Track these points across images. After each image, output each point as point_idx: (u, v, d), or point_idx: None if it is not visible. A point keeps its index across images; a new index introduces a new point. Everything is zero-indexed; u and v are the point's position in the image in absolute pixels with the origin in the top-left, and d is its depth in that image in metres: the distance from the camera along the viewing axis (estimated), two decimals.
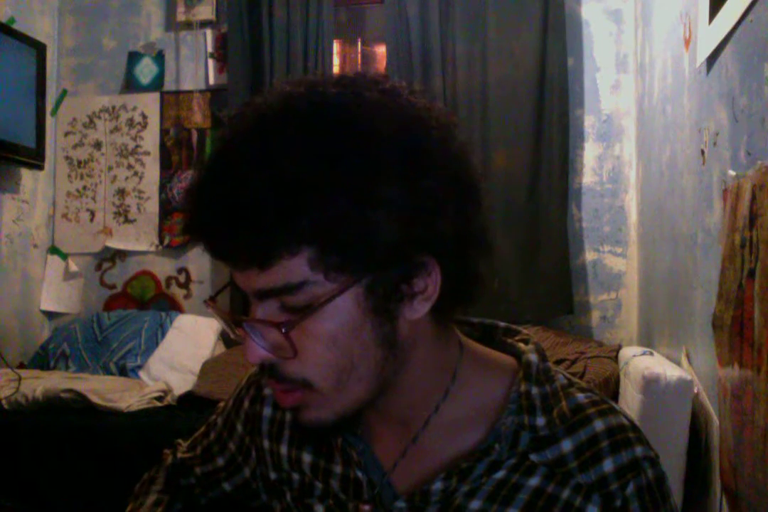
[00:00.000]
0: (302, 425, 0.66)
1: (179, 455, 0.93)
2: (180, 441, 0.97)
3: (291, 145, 0.58)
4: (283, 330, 0.59)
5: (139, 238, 3.31)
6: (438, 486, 0.68)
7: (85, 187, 3.36)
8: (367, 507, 0.70)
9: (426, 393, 0.70)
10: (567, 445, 0.68)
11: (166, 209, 3.29)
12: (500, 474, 0.68)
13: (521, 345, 0.74)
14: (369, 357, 0.63)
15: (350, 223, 0.57)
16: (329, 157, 0.57)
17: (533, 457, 0.68)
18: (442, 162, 0.62)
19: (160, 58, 3.32)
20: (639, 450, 0.68)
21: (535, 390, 0.69)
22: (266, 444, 0.80)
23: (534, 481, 0.67)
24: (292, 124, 0.59)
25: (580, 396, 0.71)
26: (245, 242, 0.58)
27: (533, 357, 0.72)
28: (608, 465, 0.67)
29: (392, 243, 0.58)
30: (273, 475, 0.79)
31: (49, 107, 3.23)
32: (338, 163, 0.57)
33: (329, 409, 0.65)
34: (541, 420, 0.68)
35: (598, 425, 0.68)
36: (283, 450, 0.78)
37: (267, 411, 0.81)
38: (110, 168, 3.35)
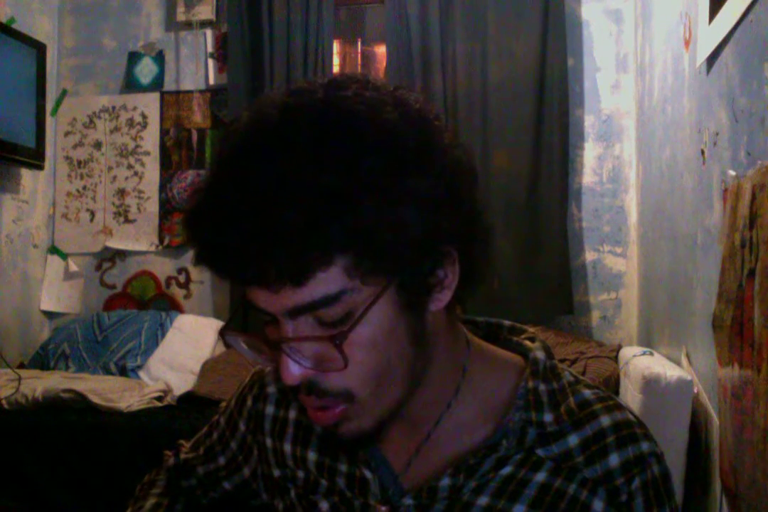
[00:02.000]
0: (343, 439, 0.65)
1: (182, 456, 0.93)
2: (182, 441, 0.97)
3: (308, 153, 0.56)
4: (337, 343, 0.57)
5: (139, 238, 3.31)
6: (445, 482, 0.68)
7: (85, 187, 3.37)
8: (384, 509, 0.70)
9: (439, 391, 0.70)
10: (573, 440, 0.68)
11: (166, 209, 3.29)
12: (507, 470, 0.68)
13: (527, 342, 0.75)
14: (404, 357, 0.62)
15: (382, 222, 0.56)
16: (349, 161, 0.56)
17: (540, 452, 0.68)
18: (445, 149, 0.62)
19: (160, 58, 3.32)
20: (645, 446, 0.69)
21: (542, 387, 0.70)
22: (269, 442, 0.80)
23: (541, 476, 0.68)
24: (305, 133, 0.57)
25: (587, 392, 0.71)
26: (277, 261, 0.55)
27: (540, 354, 0.72)
28: (614, 460, 0.67)
29: (421, 236, 0.58)
30: (277, 473, 0.79)
31: (49, 107, 3.23)
32: (357, 166, 0.56)
33: (369, 417, 0.63)
34: (548, 417, 0.68)
35: (605, 420, 0.69)
36: (287, 448, 0.78)
37: (270, 410, 0.81)
38: (110, 168, 3.35)
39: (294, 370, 0.60)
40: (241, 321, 0.74)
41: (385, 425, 0.65)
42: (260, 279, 0.57)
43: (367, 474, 0.71)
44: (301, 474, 0.77)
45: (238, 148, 0.59)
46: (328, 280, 0.57)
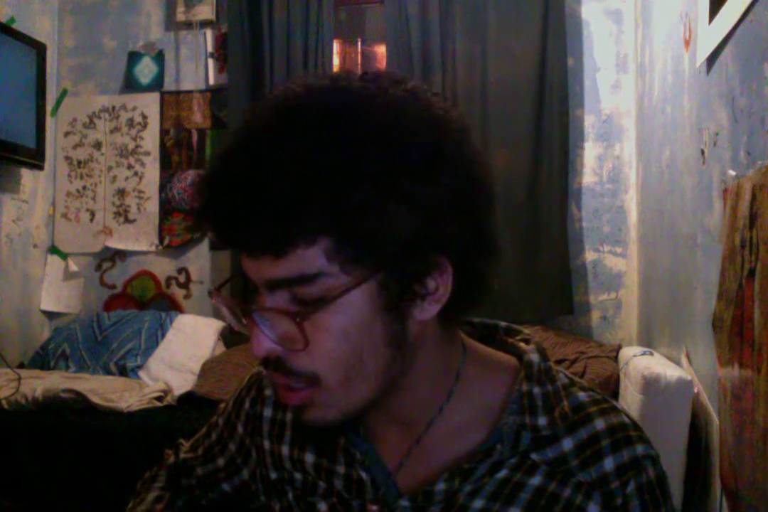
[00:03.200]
0: (305, 424, 0.66)
1: (181, 455, 0.93)
2: (182, 441, 0.97)
3: (314, 133, 0.57)
4: (297, 320, 0.58)
5: (139, 238, 3.31)
6: (441, 486, 0.68)
7: (85, 187, 3.36)
8: (375, 508, 0.70)
9: (430, 394, 0.70)
10: (568, 444, 0.68)
11: (166, 209, 3.29)
12: (502, 474, 0.68)
13: (522, 344, 0.74)
14: (377, 355, 0.62)
15: (371, 214, 0.56)
16: (353, 147, 0.57)
17: (534, 456, 0.68)
18: (460, 162, 0.62)
19: (160, 58, 3.32)
20: (640, 449, 0.68)
21: (536, 390, 0.69)
22: (267, 444, 0.80)
23: (535, 480, 0.67)
24: (315, 114, 0.58)
25: (582, 395, 0.71)
26: (263, 228, 0.57)
27: (534, 356, 0.72)
28: (609, 464, 0.67)
29: (410, 239, 0.58)
30: (274, 475, 0.79)
31: (49, 107, 3.23)
32: (362, 154, 0.57)
33: (334, 408, 0.64)
34: (543, 420, 0.68)
35: (599, 423, 0.68)
36: (285, 450, 0.78)
37: (268, 412, 0.81)
38: (110, 168, 3.35)
39: (261, 341, 0.61)
40: (221, 283, 0.77)
41: (352, 419, 0.66)
42: (244, 244, 0.60)
43: (364, 475, 0.71)
44: (298, 476, 0.77)
45: (255, 122, 0.61)
46: (308, 259, 0.58)
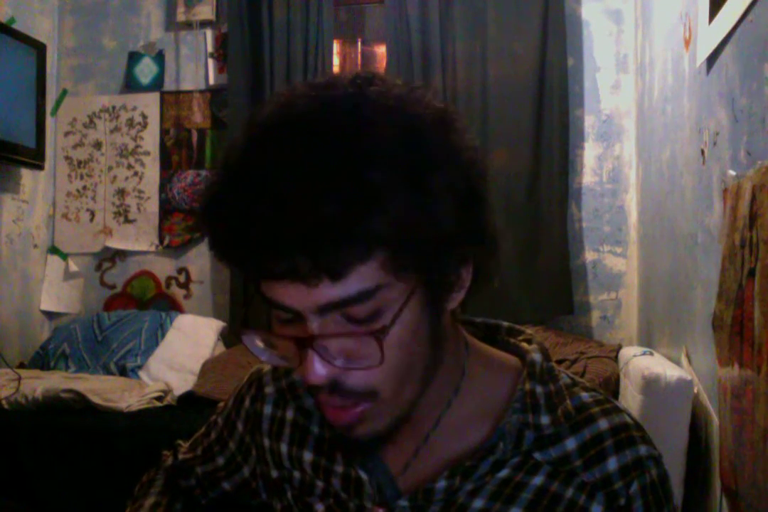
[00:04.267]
0: (355, 440, 0.64)
1: (180, 456, 0.93)
2: (180, 442, 0.97)
3: (347, 145, 0.55)
4: (380, 338, 0.56)
5: (139, 238, 3.31)
6: (441, 484, 0.68)
7: (85, 187, 3.36)
8: (381, 510, 0.70)
9: (440, 391, 0.70)
10: (571, 444, 0.68)
11: (166, 209, 3.29)
12: (504, 473, 0.68)
13: (524, 344, 0.75)
14: (424, 355, 0.62)
15: (418, 216, 0.55)
16: (388, 154, 0.56)
17: (537, 456, 0.68)
18: (471, 155, 0.63)
19: (160, 58, 3.32)
20: (643, 449, 0.68)
21: (539, 389, 0.69)
22: (266, 442, 0.80)
23: (538, 480, 0.67)
24: (341, 124, 0.57)
25: (584, 395, 0.71)
26: (315, 254, 0.54)
27: (537, 356, 0.72)
28: (612, 464, 0.67)
29: (452, 232, 0.58)
30: (274, 473, 0.79)
31: (49, 107, 3.23)
32: (397, 159, 0.56)
33: (386, 417, 0.63)
34: (545, 419, 0.68)
35: (603, 424, 0.68)
36: (284, 448, 0.78)
37: (267, 410, 0.81)
38: (110, 168, 3.35)
39: (321, 369, 0.58)
40: (241, 319, 0.73)
41: (398, 425, 0.65)
42: (294, 273, 0.55)
43: (363, 475, 0.71)
44: (297, 474, 0.77)
45: (266, 136, 0.58)
46: (366, 275, 0.56)
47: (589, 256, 2.99)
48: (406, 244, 0.55)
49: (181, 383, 2.70)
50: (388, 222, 0.54)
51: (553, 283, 2.87)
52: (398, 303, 0.58)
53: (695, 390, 1.76)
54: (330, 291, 0.56)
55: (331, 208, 0.53)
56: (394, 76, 0.68)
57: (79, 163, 3.37)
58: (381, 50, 3.28)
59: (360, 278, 0.56)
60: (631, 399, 1.92)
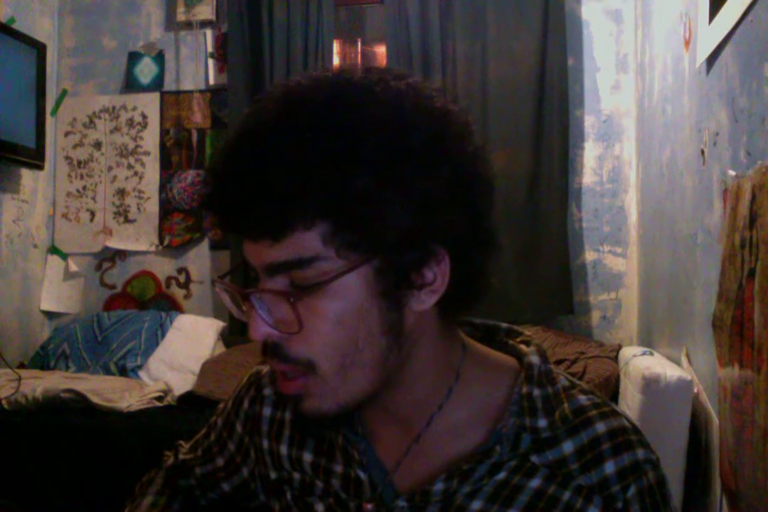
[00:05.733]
0: (302, 415, 0.66)
1: (180, 456, 0.93)
2: (181, 442, 0.97)
3: (315, 122, 0.59)
4: (291, 300, 0.60)
5: (139, 238, 3.31)
6: (439, 486, 0.68)
7: (85, 187, 3.37)
8: (370, 506, 0.70)
9: (430, 392, 0.70)
10: (568, 447, 0.68)
11: (166, 209, 3.29)
12: (501, 476, 0.68)
13: (523, 346, 0.74)
14: (374, 343, 0.62)
15: (368, 200, 0.57)
16: (353, 136, 0.58)
17: (534, 459, 0.68)
18: (460, 154, 0.62)
19: (160, 58, 3.32)
20: (640, 453, 0.68)
21: (536, 392, 0.69)
22: (266, 444, 0.80)
23: (535, 482, 0.67)
24: (316, 104, 0.60)
25: (582, 398, 0.70)
26: (262, 211, 0.58)
27: (535, 359, 0.71)
28: (609, 467, 0.67)
29: (407, 226, 0.59)
30: (273, 475, 0.79)
31: (49, 107, 3.23)
32: (362, 142, 0.58)
33: (331, 398, 0.64)
34: (542, 422, 0.68)
35: (600, 427, 0.68)
36: (284, 449, 0.78)
37: (267, 411, 0.81)
38: (110, 168, 3.35)
39: (259, 325, 0.62)
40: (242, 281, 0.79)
41: (349, 412, 0.66)
42: (245, 228, 0.61)
43: (362, 474, 0.71)
44: (296, 475, 0.77)
45: (258, 113, 0.62)
46: (305, 243, 0.59)
47: (589, 255, 2.99)
48: (346, 222, 0.58)
49: (181, 383, 2.70)
50: (332, 197, 0.57)
51: (553, 283, 2.87)
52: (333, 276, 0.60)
53: (695, 390, 1.76)
54: (272, 252, 0.60)
55: (283, 174, 0.58)
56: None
57: (79, 163, 3.37)
58: (381, 50, 3.28)
59: (299, 245, 0.59)
60: (631, 399, 1.92)
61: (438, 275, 0.63)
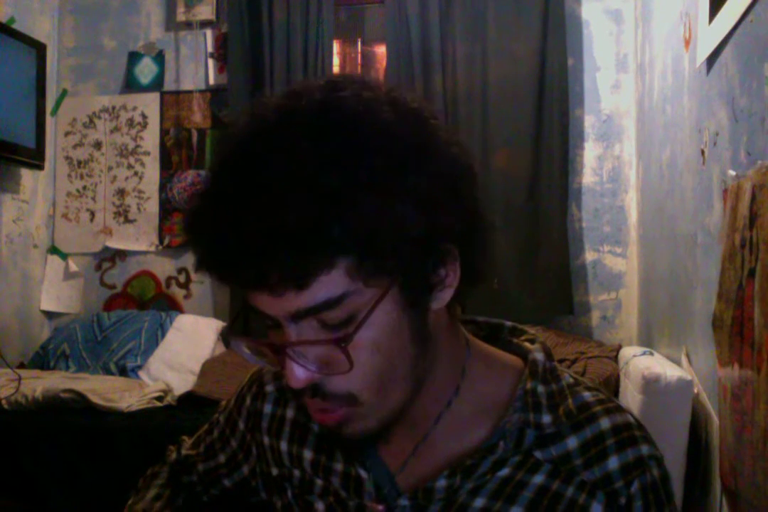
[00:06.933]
0: (347, 439, 0.65)
1: (183, 451, 0.94)
2: (185, 437, 0.97)
3: (307, 155, 0.56)
4: (342, 345, 0.57)
5: (139, 238, 3.31)
6: (442, 483, 0.67)
7: (85, 187, 3.36)
8: (381, 508, 0.70)
9: (439, 389, 0.69)
10: (572, 442, 0.68)
11: (166, 209, 3.29)
12: (504, 472, 0.68)
13: (527, 344, 0.75)
14: (405, 355, 0.62)
15: (383, 222, 0.55)
16: (348, 161, 0.56)
17: (538, 454, 0.68)
18: (447, 153, 0.62)
19: (160, 58, 3.32)
20: (645, 449, 0.68)
21: (541, 388, 0.69)
22: (266, 440, 0.80)
23: (538, 479, 0.67)
24: (303, 135, 0.57)
25: (587, 395, 0.71)
26: (279, 265, 0.55)
27: (539, 355, 0.72)
28: (613, 463, 0.67)
29: (422, 234, 0.58)
30: (275, 471, 0.79)
31: (49, 107, 3.23)
32: (358, 166, 0.56)
33: (372, 418, 0.63)
34: (546, 418, 0.68)
35: (604, 423, 0.68)
36: (284, 446, 0.78)
37: (267, 408, 0.81)
38: (110, 168, 3.35)
39: (300, 374, 0.59)
40: (242, 323, 0.73)
41: (390, 425, 0.65)
42: (262, 283, 0.57)
43: (362, 473, 0.71)
44: (297, 473, 0.77)
45: (236, 151, 0.59)
46: (331, 283, 0.56)
47: (589, 255, 2.99)
48: (369, 251, 0.56)
49: (181, 383, 2.70)
50: (349, 230, 0.54)
51: (553, 283, 2.87)
52: (369, 309, 0.58)
53: (695, 390, 1.76)
54: (298, 300, 0.57)
55: (291, 219, 0.54)
56: (391, 76, 0.68)
57: (79, 163, 3.37)
58: (381, 50, 3.28)
59: (325, 286, 0.56)
60: (631, 399, 1.92)
61: (450, 271, 0.63)
